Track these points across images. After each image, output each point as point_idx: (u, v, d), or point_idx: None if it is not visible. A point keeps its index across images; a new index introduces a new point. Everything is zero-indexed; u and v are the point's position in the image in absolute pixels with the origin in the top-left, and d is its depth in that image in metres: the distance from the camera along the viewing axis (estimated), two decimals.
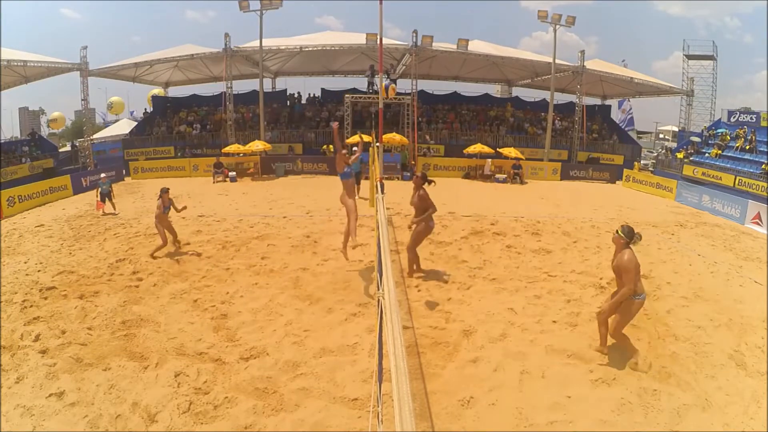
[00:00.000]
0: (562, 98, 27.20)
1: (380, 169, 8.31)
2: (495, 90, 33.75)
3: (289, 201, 13.81)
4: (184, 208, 9.17)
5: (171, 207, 8.45)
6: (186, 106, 26.53)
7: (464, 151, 21.55)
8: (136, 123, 30.26)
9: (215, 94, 25.82)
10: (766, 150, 18.53)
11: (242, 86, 34.84)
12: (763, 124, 19.79)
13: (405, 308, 6.05)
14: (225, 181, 18.56)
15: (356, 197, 7.30)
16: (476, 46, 23.54)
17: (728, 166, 19.43)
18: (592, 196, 16.99)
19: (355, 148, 16.19)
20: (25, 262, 8.00)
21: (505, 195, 16.40)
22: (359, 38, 22.02)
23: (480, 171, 20.57)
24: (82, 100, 22.30)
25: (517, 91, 30.99)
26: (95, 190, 12.54)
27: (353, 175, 7.11)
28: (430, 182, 7.03)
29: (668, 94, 27.22)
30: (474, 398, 4.21)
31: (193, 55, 23.08)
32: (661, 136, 43.06)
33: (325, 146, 22.88)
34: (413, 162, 20.38)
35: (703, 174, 19.70)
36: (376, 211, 5.70)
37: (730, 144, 20.70)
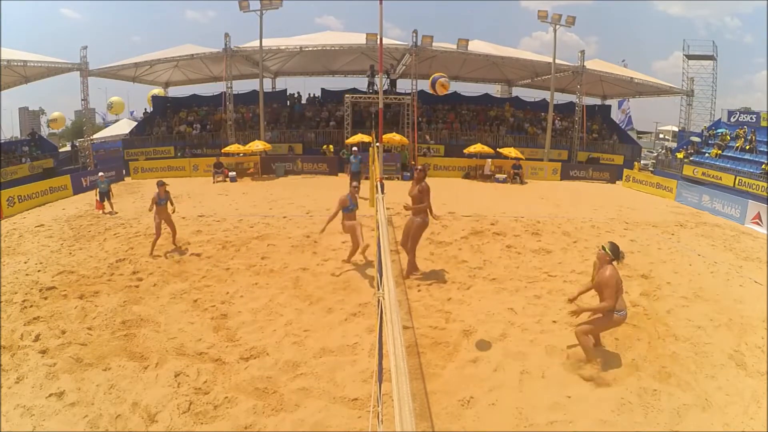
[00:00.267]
0: (562, 98, 27.19)
1: (380, 169, 8.30)
2: (495, 90, 33.74)
3: (289, 201, 13.81)
4: (173, 211, 8.73)
5: (168, 201, 8.40)
6: (186, 106, 26.50)
7: (464, 151, 21.55)
8: (136, 123, 30.23)
9: (215, 94, 25.79)
10: (766, 150, 18.51)
11: (242, 86, 35.01)
12: (763, 124, 19.77)
13: (405, 308, 6.05)
14: (225, 181, 18.55)
15: (357, 222, 7.58)
16: (476, 46, 23.54)
17: (728, 166, 19.41)
18: (592, 196, 16.98)
19: (354, 149, 16.20)
20: (25, 262, 7.99)
21: (505, 195, 16.39)
22: (359, 38, 22.01)
23: (480, 171, 20.57)
24: (82, 100, 22.29)
25: (517, 91, 31.01)
26: (94, 190, 12.55)
27: (355, 209, 7.58)
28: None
29: (668, 94, 27.20)
30: (474, 398, 4.21)
31: (193, 55, 23.07)
32: (661, 136, 43.07)
33: (324, 146, 22.89)
34: (413, 162, 20.38)
35: (703, 174, 19.68)
36: (376, 211, 5.69)
37: (730, 144, 20.68)
